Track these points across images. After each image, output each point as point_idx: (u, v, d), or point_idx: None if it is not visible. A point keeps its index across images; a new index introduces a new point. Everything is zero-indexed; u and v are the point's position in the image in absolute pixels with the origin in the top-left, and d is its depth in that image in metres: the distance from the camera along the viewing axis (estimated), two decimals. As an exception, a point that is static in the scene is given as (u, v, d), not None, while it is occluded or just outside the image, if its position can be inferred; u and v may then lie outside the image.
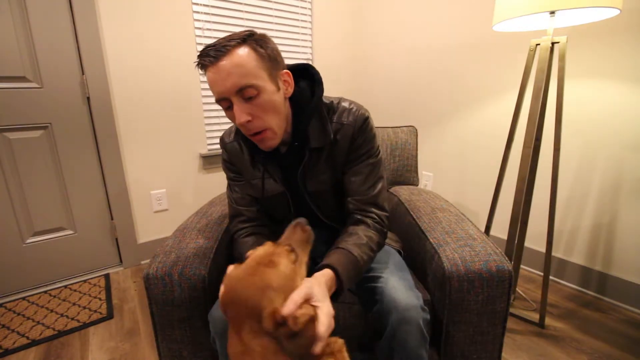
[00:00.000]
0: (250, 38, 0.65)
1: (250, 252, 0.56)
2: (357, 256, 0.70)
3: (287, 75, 0.71)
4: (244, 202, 0.86)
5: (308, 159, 0.76)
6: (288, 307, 0.48)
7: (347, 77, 2.48)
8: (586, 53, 1.37)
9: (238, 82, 0.63)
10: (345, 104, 0.78)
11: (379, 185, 0.79)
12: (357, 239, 0.73)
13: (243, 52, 0.64)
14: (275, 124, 0.69)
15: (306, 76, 0.78)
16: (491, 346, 0.81)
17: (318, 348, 0.48)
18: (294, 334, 0.47)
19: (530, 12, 1.00)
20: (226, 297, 0.50)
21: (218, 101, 0.67)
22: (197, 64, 0.65)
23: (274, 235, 0.80)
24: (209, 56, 0.63)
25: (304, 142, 0.75)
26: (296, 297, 0.50)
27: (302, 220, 0.63)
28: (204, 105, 1.93)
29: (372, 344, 0.78)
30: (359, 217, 0.78)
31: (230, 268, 0.56)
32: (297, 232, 0.61)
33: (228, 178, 0.88)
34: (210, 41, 1.87)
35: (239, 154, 0.82)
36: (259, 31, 0.68)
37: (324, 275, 0.62)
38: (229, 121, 2.04)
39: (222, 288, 0.53)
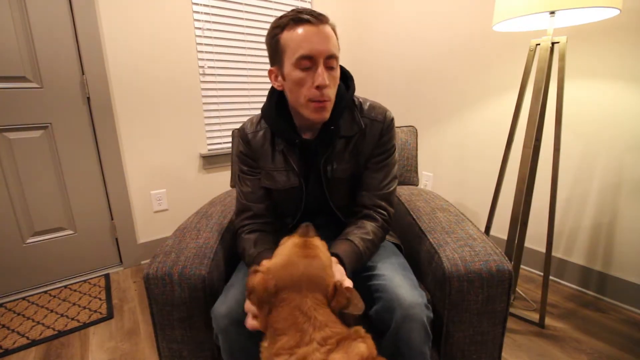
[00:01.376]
0: (331, 22, 0.72)
1: (284, 239, 0.64)
2: (362, 250, 0.75)
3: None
4: (254, 198, 0.85)
5: (336, 144, 0.80)
6: (345, 281, 0.57)
7: (347, 77, 2.48)
8: (586, 53, 1.37)
9: (332, 48, 0.69)
10: (371, 102, 0.84)
11: (394, 184, 0.85)
12: (364, 233, 0.78)
13: (332, 28, 0.71)
14: (334, 98, 0.75)
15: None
16: (491, 346, 0.81)
17: (361, 311, 0.56)
18: (348, 303, 0.54)
19: (530, 12, 1.00)
20: (289, 277, 0.55)
21: (303, 58, 0.68)
22: (295, 21, 0.68)
23: (278, 233, 0.83)
24: (313, 16, 0.67)
25: (334, 130, 0.79)
26: (339, 275, 0.60)
27: (309, 224, 0.69)
28: (204, 105, 1.93)
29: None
30: (370, 211, 0.82)
31: (277, 257, 0.60)
32: (311, 232, 0.68)
33: (240, 171, 0.87)
34: (210, 41, 1.88)
35: (261, 143, 0.83)
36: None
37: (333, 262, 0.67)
38: (229, 121, 2.05)
39: (260, 277, 0.56)
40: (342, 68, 0.81)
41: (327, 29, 0.69)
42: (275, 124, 0.80)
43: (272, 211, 0.88)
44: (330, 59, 0.69)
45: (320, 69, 0.69)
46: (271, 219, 0.87)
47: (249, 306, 0.59)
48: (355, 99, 0.83)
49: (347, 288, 0.56)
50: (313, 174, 0.83)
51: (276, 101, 0.80)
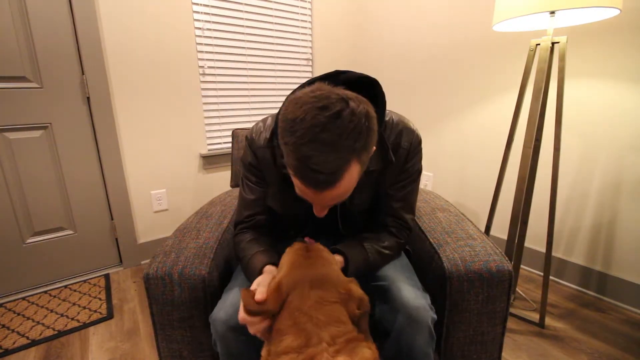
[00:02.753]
0: (363, 148, 0.53)
1: (288, 249, 0.63)
2: (371, 261, 0.75)
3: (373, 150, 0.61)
4: (257, 209, 0.81)
5: (361, 180, 0.65)
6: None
7: (347, 77, 2.48)
8: (586, 53, 1.37)
9: (337, 201, 0.60)
10: (400, 122, 0.74)
11: (415, 206, 0.83)
12: (383, 247, 0.77)
13: (354, 171, 0.54)
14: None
15: (368, 91, 0.64)
16: (491, 346, 0.81)
17: (368, 307, 0.57)
18: (362, 303, 0.56)
19: (530, 12, 1.00)
20: (294, 280, 0.55)
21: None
22: (291, 167, 0.54)
23: (280, 243, 0.79)
24: (316, 185, 0.53)
25: None
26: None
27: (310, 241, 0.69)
28: (204, 105, 1.93)
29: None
30: (393, 229, 0.80)
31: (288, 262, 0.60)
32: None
33: (245, 178, 0.82)
34: (210, 41, 1.87)
35: (271, 162, 0.76)
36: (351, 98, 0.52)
37: (337, 261, 0.66)
38: (229, 121, 2.05)
39: (280, 280, 0.55)
40: (375, 88, 0.67)
41: (334, 192, 0.54)
42: (278, 151, 0.73)
43: (273, 224, 0.84)
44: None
45: (319, 207, 0.62)
46: (270, 230, 0.84)
47: (243, 317, 0.55)
48: (385, 122, 0.73)
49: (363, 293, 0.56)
50: None
51: None
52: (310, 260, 0.58)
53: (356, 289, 0.56)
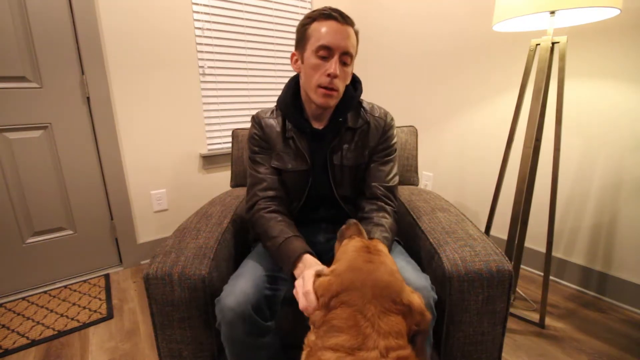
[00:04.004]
0: (355, 26, 0.81)
1: (345, 242, 0.65)
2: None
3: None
4: (267, 172, 0.90)
5: (343, 135, 0.89)
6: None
7: (347, 77, 2.48)
8: (586, 53, 1.37)
9: (349, 46, 0.78)
10: (375, 105, 0.94)
11: (397, 179, 0.94)
12: (384, 231, 0.82)
13: (355, 36, 0.81)
14: (342, 91, 0.83)
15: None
16: (491, 346, 0.81)
17: (428, 325, 0.55)
18: (422, 319, 0.53)
19: (530, 12, 1.00)
20: (352, 281, 0.53)
21: (322, 48, 0.77)
22: (324, 16, 0.77)
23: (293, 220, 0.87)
24: (341, 16, 0.77)
25: (342, 121, 0.88)
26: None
27: (357, 222, 0.72)
28: (204, 105, 1.93)
29: None
30: (382, 203, 0.88)
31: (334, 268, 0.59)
32: (364, 232, 0.69)
33: (252, 153, 0.92)
34: (210, 41, 1.88)
35: (274, 130, 0.91)
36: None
37: None
38: (229, 121, 2.05)
39: (324, 280, 0.56)
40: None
41: (350, 30, 0.78)
42: (288, 111, 0.88)
43: (285, 192, 0.91)
44: (345, 55, 0.78)
45: (335, 60, 0.77)
46: (286, 201, 0.90)
47: (304, 306, 0.57)
48: (362, 101, 0.93)
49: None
50: (320, 161, 0.89)
51: (292, 93, 0.89)
52: (372, 265, 0.55)
53: (418, 303, 0.54)
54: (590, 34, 1.35)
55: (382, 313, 0.50)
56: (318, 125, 0.89)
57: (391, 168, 0.92)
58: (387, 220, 0.84)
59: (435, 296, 0.73)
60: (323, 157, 0.88)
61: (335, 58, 0.77)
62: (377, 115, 0.92)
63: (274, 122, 0.92)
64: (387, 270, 0.55)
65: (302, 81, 0.86)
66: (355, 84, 0.91)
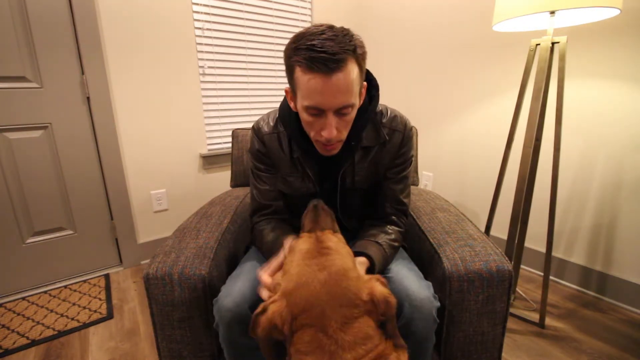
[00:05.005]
0: (356, 49, 0.63)
1: (293, 243, 0.58)
2: (388, 256, 0.77)
3: (364, 88, 0.72)
4: (271, 197, 0.85)
5: (358, 156, 0.80)
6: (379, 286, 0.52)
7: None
8: (586, 53, 1.37)
9: (345, 101, 0.64)
10: (393, 111, 0.82)
11: (409, 194, 0.87)
12: (391, 240, 0.79)
13: (353, 68, 0.63)
14: (345, 137, 0.72)
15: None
16: (491, 346, 0.80)
17: (394, 308, 0.53)
18: (387, 308, 0.50)
19: (530, 12, 1.00)
20: (305, 301, 0.49)
21: (311, 108, 0.64)
22: (306, 65, 0.60)
23: (295, 231, 0.82)
24: (323, 64, 0.59)
25: (356, 141, 0.77)
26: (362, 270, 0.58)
27: (319, 202, 0.66)
28: (204, 105, 1.93)
29: None
30: (393, 217, 0.84)
31: (280, 274, 0.57)
32: (322, 216, 0.62)
33: (255, 169, 0.86)
34: (210, 41, 1.87)
35: (277, 148, 0.82)
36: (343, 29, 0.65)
37: (361, 263, 0.67)
38: (229, 121, 2.05)
39: (269, 314, 0.51)
40: (368, 76, 0.77)
41: (341, 78, 0.61)
42: (293, 133, 0.78)
43: (288, 208, 0.88)
44: (342, 108, 0.65)
45: (330, 120, 0.65)
46: (288, 216, 0.88)
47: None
48: (380, 112, 0.81)
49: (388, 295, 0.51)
50: (328, 182, 0.82)
51: (296, 113, 0.75)
52: (323, 274, 0.50)
53: (380, 291, 0.51)
54: (590, 34, 1.35)
55: (345, 324, 0.48)
56: None
57: (405, 185, 0.84)
58: (395, 229, 0.82)
59: (438, 304, 0.71)
60: (332, 178, 0.82)
61: (330, 116, 0.65)
62: (394, 125, 0.80)
63: (278, 140, 0.82)
64: (340, 273, 0.50)
65: None
66: (371, 91, 0.78)
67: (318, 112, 0.65)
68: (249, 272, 0.76)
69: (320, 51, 0.59)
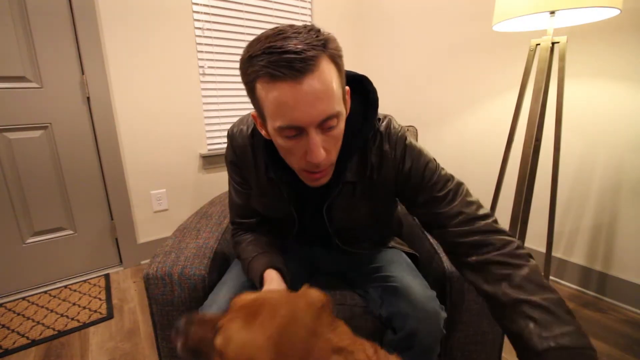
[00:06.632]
0: (327, 43, 0.48)
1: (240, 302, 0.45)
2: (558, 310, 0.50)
3: (347, 94, 0.56)
4: (246, 214, 0.78)
5: (338, 193, 0.64)
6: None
7: (347, 77, 2.47)
8: (586, 53, 1.37)
9: (326, 110, 0.48)
10: (390, 127, 0.64)
11: (466, 192, 0.62)
12: (527, 276, 0.50)
13: (327, 67, 0.48)
14: (335, 159, 0.57)
15: (357, 90, 0.62)
16: (491, 346, 0.81)
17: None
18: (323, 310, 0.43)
19: (530, 12, 1.00)
20: (276, 336, 0.39)
21: (285, 128, 0.50)
22: (268, 74, 0.47)
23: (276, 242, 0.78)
24: (288, 67, 0.45)
25: (337, 173, 0.61)
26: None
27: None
28: (204, 105, 1.93)
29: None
30: (490, 238, 0.55)
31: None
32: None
33: (232, 179, 0.77)
34: (210, 41, 1.87)
35: (251, 163, 0.69)
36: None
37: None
38: (229, 121, 2.05)
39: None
40: (364, 84, 0.62)
41: (315, 81, 0.46)
42: (269, 160, 0.64)
43: (267, 223, 0.80)
44: (325, 121, 0.50)
45: (313, 139, 0.50)
46: (266, 228, 0.80)
47: None
48: (376, 131, 0.63)
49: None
50: (310, 207, 0.69)
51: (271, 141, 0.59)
52: (258, 319, 0.40)
53: (313, 298, 0.43)
54: (590, 34, 1.35)
55: None
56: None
57: (453, 192, 0.60)
58: (517, 269, 0.50)
59: (445, 315, 0.68)
60: (314, 207, 0.68)
61: (313, 135, 0.50)
62: (386, 150, 0.62)
63: (252, 154, 0.67)
64: (310, 333, 0.40)
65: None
66: (365, 105, 0.62)
67: (296, 132, 0.50)
68: (236, 278, 0.75)
69: (281, 52, 0.45)
